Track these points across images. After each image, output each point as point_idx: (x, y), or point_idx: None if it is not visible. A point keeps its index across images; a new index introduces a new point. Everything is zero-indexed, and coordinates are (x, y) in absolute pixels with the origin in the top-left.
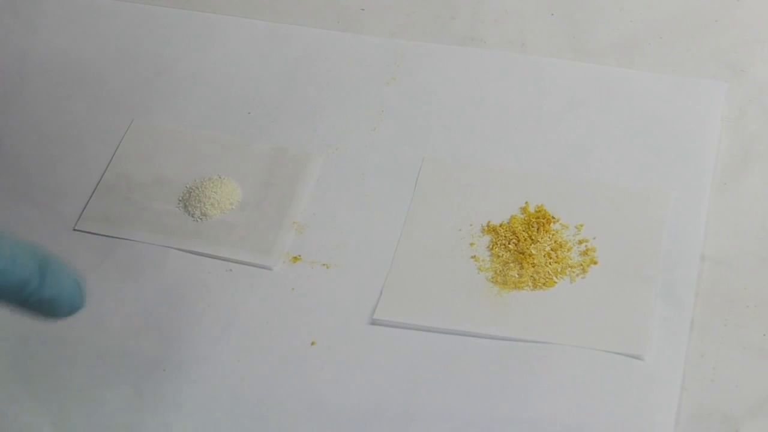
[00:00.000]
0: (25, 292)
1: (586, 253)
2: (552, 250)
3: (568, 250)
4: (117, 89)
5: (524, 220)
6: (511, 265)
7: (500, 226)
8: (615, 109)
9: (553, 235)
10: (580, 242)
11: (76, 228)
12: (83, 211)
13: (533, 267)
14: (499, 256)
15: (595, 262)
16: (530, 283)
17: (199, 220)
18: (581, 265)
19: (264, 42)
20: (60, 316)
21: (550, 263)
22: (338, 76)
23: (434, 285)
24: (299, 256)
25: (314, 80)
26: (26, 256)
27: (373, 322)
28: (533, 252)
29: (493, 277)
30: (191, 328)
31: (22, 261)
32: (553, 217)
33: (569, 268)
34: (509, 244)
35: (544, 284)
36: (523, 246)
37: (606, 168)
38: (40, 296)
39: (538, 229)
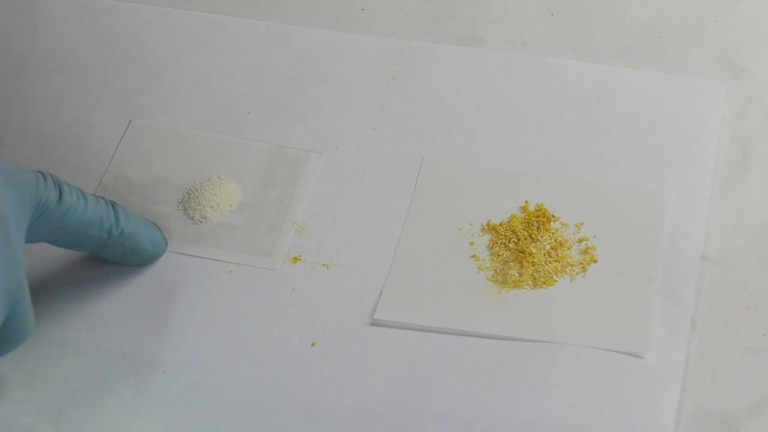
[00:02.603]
0: (105, 225)
1: (587, 252)
2: (552, 248)
3: (568, 248)
4: (117, 89)
5: (524, 219)
6: (511, 264)
7: (500, 225)
8: (615, 108)
9: (553, 233)
10: (580, 241)
11: None
12: None
13: (533, 266)
14: (499, 255)
15: (596, 261)
16: (530, 282)
17: (198, 223)
18: (581, 263)
19: (264, 42)
20: (147, 255)
21: (550, 262)
22: (338, 76)
23: (434, 285)
24: (299, 256)
25: (314, 80)
26: (92, 197)
27: (373, 323)
28: (533, 251)
29: (493, 276)
30: (192, 329)
31: (91, 199)
32: (553, 216)
33: (569, 267)
34: (509, 243)
35: (544, 283)
36: (523, 245)
37: (606, 167)
38: (120, 230)
39: (538, 228)
